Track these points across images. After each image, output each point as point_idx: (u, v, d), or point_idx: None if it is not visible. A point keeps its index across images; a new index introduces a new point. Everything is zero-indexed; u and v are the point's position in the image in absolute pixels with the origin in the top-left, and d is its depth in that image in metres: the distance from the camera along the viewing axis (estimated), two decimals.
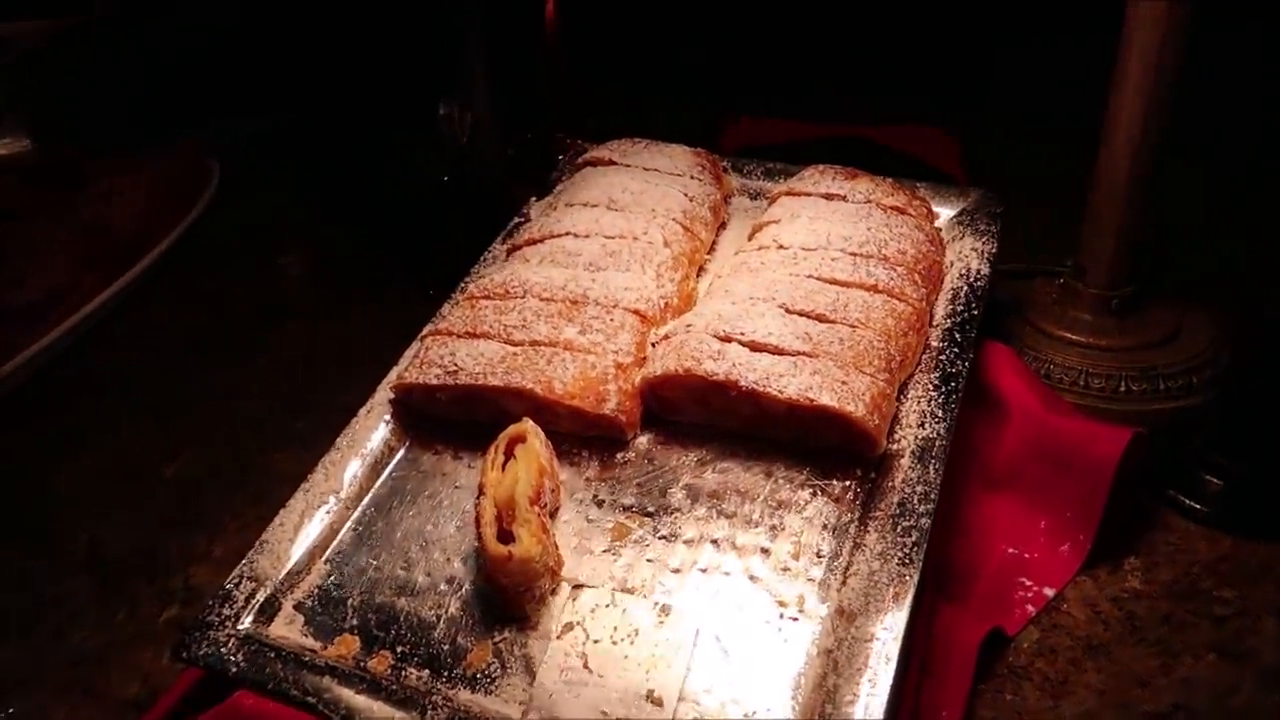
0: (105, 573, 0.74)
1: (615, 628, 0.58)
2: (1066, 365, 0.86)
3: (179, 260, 1.08)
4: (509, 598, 0.60)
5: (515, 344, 0.72)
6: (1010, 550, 0.72)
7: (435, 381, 0.71)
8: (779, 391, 0.65)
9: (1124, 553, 0.71)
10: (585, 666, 0.56)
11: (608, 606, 0.59)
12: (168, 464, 0.84)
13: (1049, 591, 0.69)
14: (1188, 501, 0.75)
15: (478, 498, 0.63)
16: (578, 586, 0.61)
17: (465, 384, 0.70)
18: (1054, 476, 0.72)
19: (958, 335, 0.73)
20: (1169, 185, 0.81)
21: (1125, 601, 0.68)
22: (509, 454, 0.65)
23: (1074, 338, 0.88)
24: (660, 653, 0.57)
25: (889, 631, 0.56)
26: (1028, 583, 0.70)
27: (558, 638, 0.58)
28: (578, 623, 0.58)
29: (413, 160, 1.20)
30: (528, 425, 0.66)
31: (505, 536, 0.61)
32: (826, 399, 0.64)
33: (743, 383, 0.66)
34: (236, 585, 0.63)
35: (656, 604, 0.59)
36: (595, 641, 0.57)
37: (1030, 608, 0.68)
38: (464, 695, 0.57)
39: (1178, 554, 0.71)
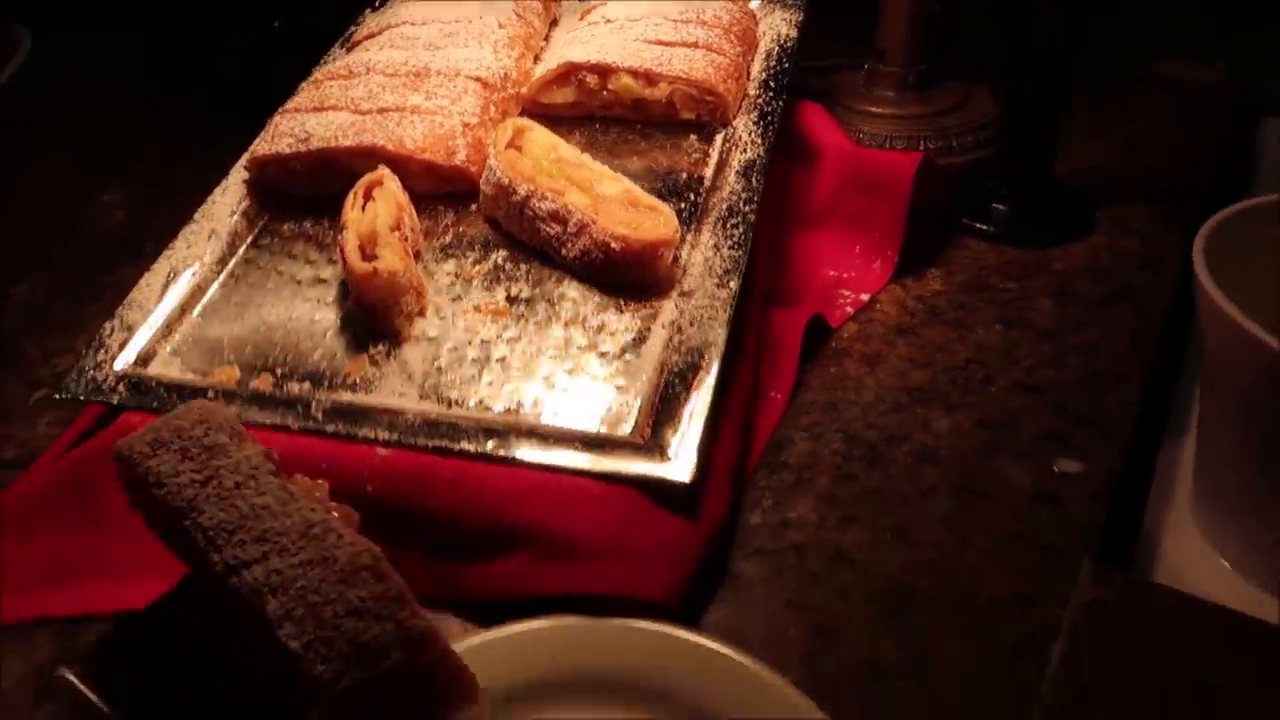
0: None
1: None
2: (873, 132, 0.96)
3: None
4: (378, 316, 0.65)
5: (364, 112, 0.76)
6: (831, 273, 0.81)
7: (288, 150, 0.74)
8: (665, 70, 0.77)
9: (926, 266, 0.82)
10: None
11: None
12: (13, 285, 0.84)
13: (865, 296, 0.79)
14: (979, 225, 0.87)
15: (340, 232, 0.67)
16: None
17: (318, 149, 0.73)
18: (863, 203, 0.82)
19: (772, 84, 0.81)
20: None
21: (928, 298, 0.78)
22: (368, 197, 0.69)
23: (879, 110, 0.98)
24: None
25: (723, 309, 0.64)
26: (847, 293, 0.79)
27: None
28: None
29: (234, 13, 1.18)
30: (384, 171, 0.70)
31: (369, 260, 0.65)
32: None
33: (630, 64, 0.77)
34: (109, 334, 0.65)
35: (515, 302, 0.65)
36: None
37: (849, 309, 0.78)
38: (346, 396, 0.62)
39: (971, 263, 0.82)
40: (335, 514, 0.40)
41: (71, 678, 0.37)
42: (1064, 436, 0.65)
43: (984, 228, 0.87)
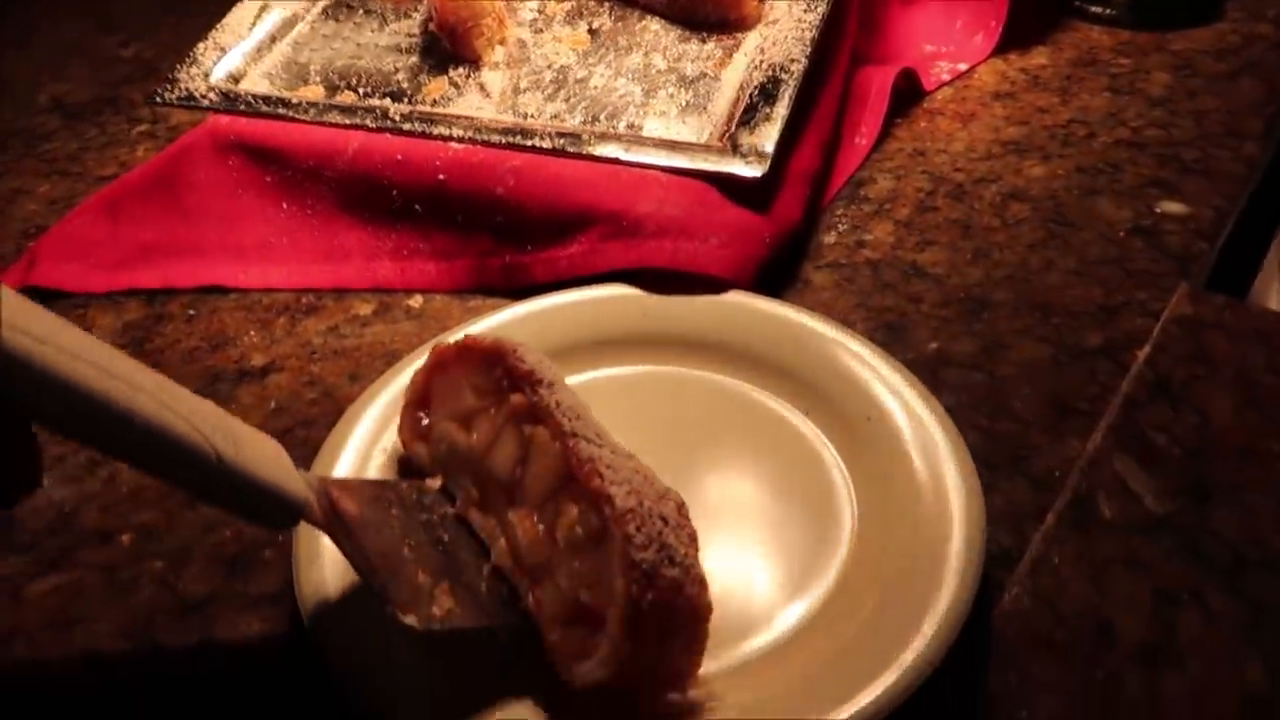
0: (72, 112, 0.77)
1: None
2: None
3: None
4: (458, 38, 0.65)
5: None
6: (929, 47, 0.77)
7: None
8: None
9: (1032, 44, 0.77)
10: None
11: None
12: (123, 48, 0.87)
13: (962, 66, 0.75)
14: (1093, 8, 0.81)
15: None
16: None
17: None
18: None
19: None
20: None
21: (1032, 70, 0.74)
22: None
23: None
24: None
25: (808, 30, 0.61)
26: (944, 64, 0.75)
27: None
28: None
29: None
30: None
31: None
32: None
33: None
34: (203, 53, 0.67)
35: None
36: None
37: (946, 76, 0.74)
38: (423, 109, 0.62)
39: (1081, 42, 0.77)
40: None
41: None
42: (1169, 184, 0.61)
43: (1099, 10, 0.81)
